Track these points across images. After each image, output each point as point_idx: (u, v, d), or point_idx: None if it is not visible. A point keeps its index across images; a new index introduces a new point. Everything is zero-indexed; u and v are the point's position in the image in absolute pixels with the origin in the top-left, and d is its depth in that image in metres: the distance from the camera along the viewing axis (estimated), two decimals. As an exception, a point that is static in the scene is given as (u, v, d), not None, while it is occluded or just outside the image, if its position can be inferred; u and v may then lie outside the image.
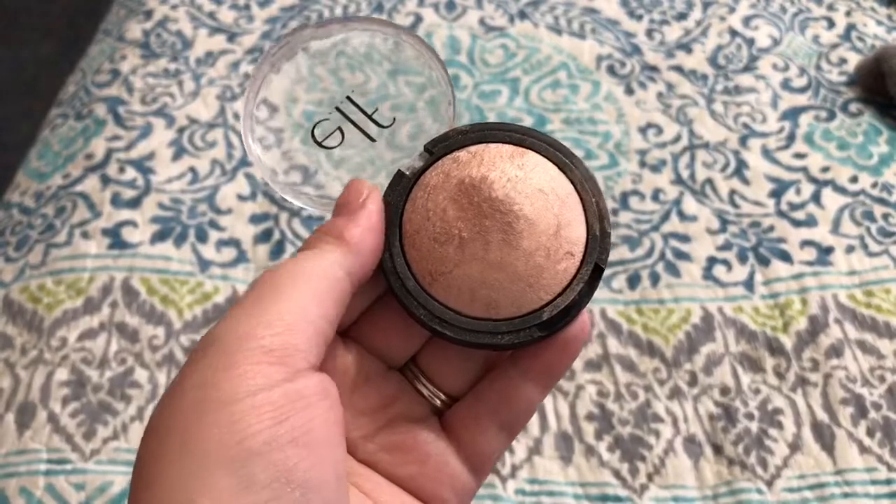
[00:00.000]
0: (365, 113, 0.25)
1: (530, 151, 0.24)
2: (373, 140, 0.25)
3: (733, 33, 0.71)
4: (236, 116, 0.65)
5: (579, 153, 0.62)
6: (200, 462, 0.18)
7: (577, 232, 0.24)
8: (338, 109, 0.25)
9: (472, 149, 0.24)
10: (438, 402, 0.25)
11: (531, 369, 0.24)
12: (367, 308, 0.25)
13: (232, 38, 0.71)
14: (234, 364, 0.19)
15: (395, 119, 0.25)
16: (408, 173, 0.24)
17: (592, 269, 0.24)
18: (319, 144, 0.25)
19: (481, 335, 0.23)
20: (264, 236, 0.56)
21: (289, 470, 0.19)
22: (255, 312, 0.20)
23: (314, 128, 0.25)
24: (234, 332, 0.20)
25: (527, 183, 0.23)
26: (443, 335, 0.24)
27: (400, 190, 0.24)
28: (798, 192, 0.59)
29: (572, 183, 0.24)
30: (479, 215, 0.23)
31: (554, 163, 0.24)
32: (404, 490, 0.24)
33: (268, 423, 0.19)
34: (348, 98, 0.25)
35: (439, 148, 0.25)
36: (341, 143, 0.25)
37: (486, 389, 0.25)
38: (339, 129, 0.25)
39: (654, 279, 0.54)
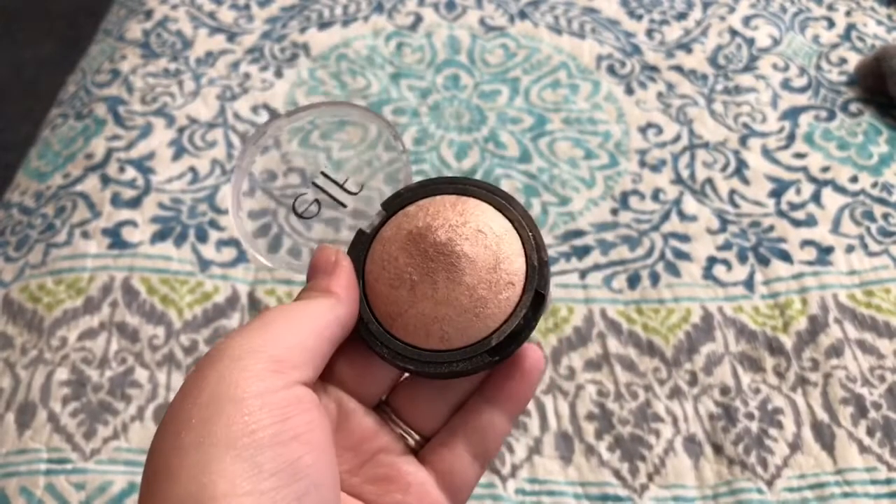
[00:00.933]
0: (338, 184, 0.29)
1: (471, 199, 0.27)
2: (344, 206, 0.29)
3: (733, 33, 0.71)
4: (236, 117, 0.64)
5: (579, 153, 0.62)
6: (216, 450, 0.20)
7: (516, 264, 0.26)
8: (314, 184, 0.29)
9: (421, 202, 0.28)
10: (412, 442, 0.27)
11: (497, 400, 0.27)
12: (342, 354, 0.27)
13: (232, 37, 0.71)
14: (245, 367, 0.22)
15: (362, 186, 0.29)
16: (367, 231, 0.28)
17: (533, 296, 0.26)
18: (299, 216, 0.29)
19: (439, 365, 0.26)
20: (262, 230, 0.56)
21: (293, 462, 0.21)
22: (264, 332, 0.23)
23: (294, 202, 0.29)
24: (246, 343, 0.23)
25: (466, 226, 0.26)
26: (406, 369, 0.26)
27: (361, 245, 0.27)
28: (798, 191, 0.59)
29: (510, 221, 0.27)
30: (425, 259, 0.26)
31: (492, 205, 0.27)
32: None
33: (275, 419, 0.21)
34: (322, 174, 0.29)
35: (393, 205, 0.28)
36: (318, 213, 0.29)
37: (457, 422, 0.27)
38: (317, 200, 0.29)
39: (654, 279, 0.54)
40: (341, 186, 0.29)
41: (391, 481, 0.26)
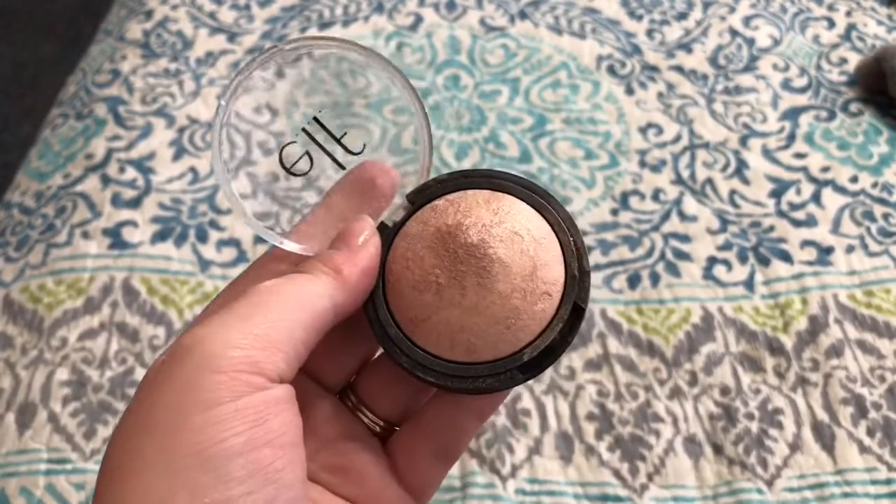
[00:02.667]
0: (333, 136, 0.24)
1: (507, 195, 0.25)
2: (343, 168, 0.25)
3: (733, 33, 0.71)
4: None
5: (579, 153, 0.62)
6: (180, 460, 0.19)
7: (554, 272, 0.24)
8: (304, 131, 0.24)
9: (451, 197, 0.25)
10: (378, 429, 0.26)
11: (467, 400, 0.25)
12: None
13: (232, 38, 0.71)
14: (219, 369, 0.20)
15: (365, 146, 0.25)
16: (390, 224, 0.25)
17: (572, 309, 0.24)
18: (288, 171, 0.24)
19: (463, 380, 0.23)
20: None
21: (264, 468, 0.20)
22: (244, 324, 0.21)
23: (281, 152, 0.24)
24: (220, 338, 0.21)
25: (501, 227, 0.23)
26: (426, 381, 0.24)
27: (382, 240, 0.25)
28: (798, 192, 0.59)
29: (549, 224, 0.24)
30: (454, 261, 0.23)
31: (531, 205, 0.25)
32: None
33: (248, 426, 0.20)
34: (315, 119, 0.24)
35: (420, 198, 0.25)
36: (311, 169, 0.25)
37: (424, 418, 0.25)
38: (308, 154, 0.24)
39: (655, 279, 0.54)
40: (338, 140, 0.25)
41: (347, 473, 0.25)
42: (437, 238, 0.24)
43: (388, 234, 0.25)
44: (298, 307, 0.22)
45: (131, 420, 0.20)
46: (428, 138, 0.25)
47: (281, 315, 0.21)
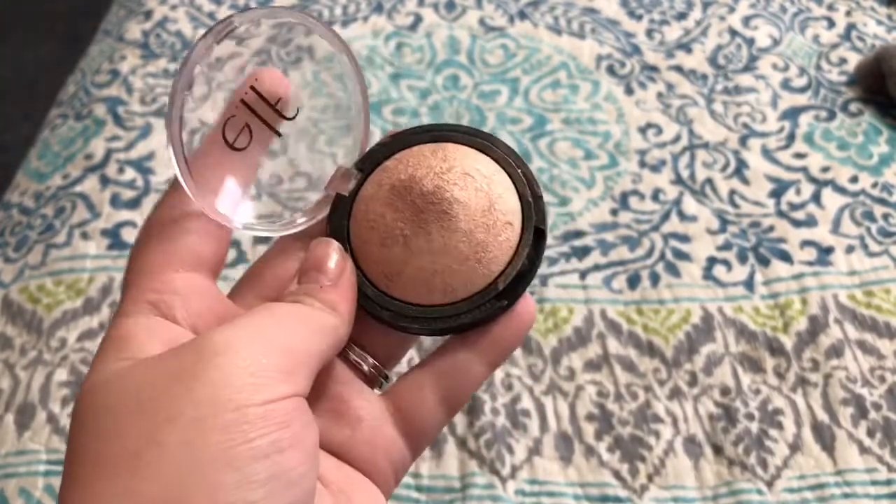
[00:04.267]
0: (268, 103, 0.25)
1: (450, 143, 0.26)
2: (279, 135, 0.25)
3: (733, 33, 0.71)
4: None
5: (579, 153, 0.62)
6: (204, 457, 0.19)
7: (510, 203, 0.25)
8: (242, 102, 0.24)
9: (398, 156, 0.26)
10: (367, 368, 0.25)
11: (478, 343, 0.25)
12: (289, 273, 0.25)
13: (232, 38, 0.71)
14: (252, 373, 0.20)
15: (298, 110, 0.25)
16: (346, 194, 0.26)
17: (534, 234, 0.25)
18: (230, 146, 0.24)
19: (446, 320, 0.24)
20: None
21: (287, 471, 0.20)
22: (273, 336, 0.21)
23: (224, 127, 0.24)
24: (254, 345, 0.21)
25: (452, 171, 0.25)
26: (411, 330, 0.25)
27: (342, 210, 0.26)
28: (798, 192, 0.59)
29: (496, 161, 0.26)
30: (415, 211, 0.24)
31: (475, 147, 0.26)
32: (337, 458, 0.24)
33: (274, 428, 0.20)
34: (252, 88, 0.24)
35: (368, 164, 0.26)
36: (250, 142, 0.25)
37: (430, 360, 0.25)
38: (247, 126, 0.25)
39: (654, 279, 0.54)
40: (273, 107, 0.25)
41: (340, 415, 0.24)
42: (394, 194, 0.25)
43: (346, 202, 0.26)
44: (312, 339, 0.22)
45: (151, 408, 0.20)
46: (364, 104, 0.26)
47: (304, 342, 0.22)
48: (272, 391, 0.20)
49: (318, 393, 0.24)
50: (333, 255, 0.24)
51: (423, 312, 0.24)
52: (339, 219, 0.26)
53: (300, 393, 0.21)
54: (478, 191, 0.24)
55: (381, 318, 0.25)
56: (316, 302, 0.23)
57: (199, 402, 0.19)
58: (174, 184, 0.24)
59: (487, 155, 0.26)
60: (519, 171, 0.26)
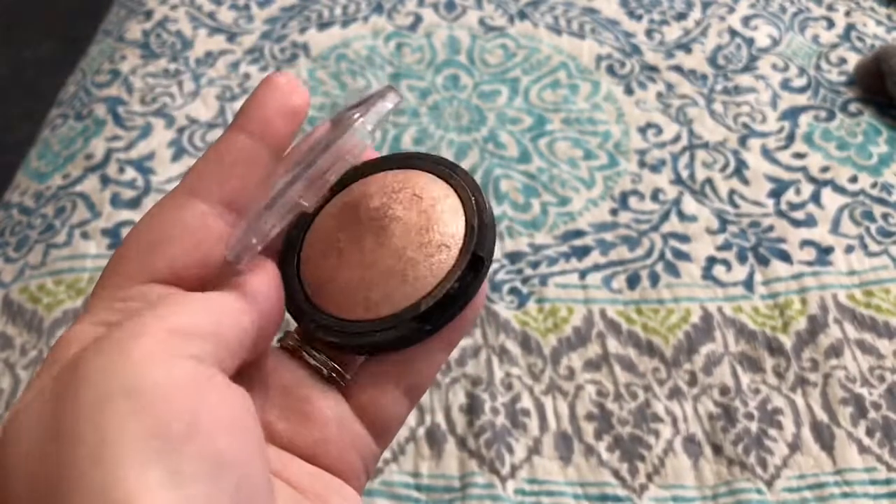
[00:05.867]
0: None
1: (413, 170, 0.26)
2: None
3: (733, 33, 0.71)
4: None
5: (579, 153, 0.62)
6: (122, 460, 0.16)
7: (451, 227, 0.24)
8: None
9: (365, 179, 0.26)
10: (325, 371, 0.24)
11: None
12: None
13: (232, 38, 0.71)
14: (139, 345, 0.17)
15: None
16: (310, 211, 0.25)
17: (471, 259, 0.24)
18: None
19: (363, 336, 0.24)
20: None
21: (215, 456, 0.17)
22: (181, 310, 0.19)
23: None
24: (138, 319, 0.18)
25: (402, 192, 0.25)
26: (331, 343, 0.24)
27: (301, 225, 0.26)
28: (798, 192, 0.59)
29: (451, 186, 0.25)
30: (356, 225, 0.24)
31: (436, 174, 0.26)
32: (310, 462, 0.23)
33: (184, 407, 0.17)
34: None
35: (338, 185, 0.26)
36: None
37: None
38: None
39: (654, 279, 0.54)
40: None
41: (307, 417, 0.23)
42: (344, 210, 0.25)
43: (307, 219, 0.26)
44: (214, 309, 0.20)
45: (45, 431, 0.17)
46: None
47: (196, 308, 0.20)
48: (168, 361, 0.18)
49: (281, 397, 0.23)
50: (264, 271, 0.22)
51: (341, 326, 0.24)
52: (297, 232, 0.26)
53: (207, 361, 0.19)
54: (421, 212, 0.24)
55: (306, 329, 0.24)
56: (226, 288, 0.21)
57: (91, 404, 0.17)
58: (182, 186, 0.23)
59: (447, 182, 0.25)
60: (472, 197, 0.25)
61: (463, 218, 0.25)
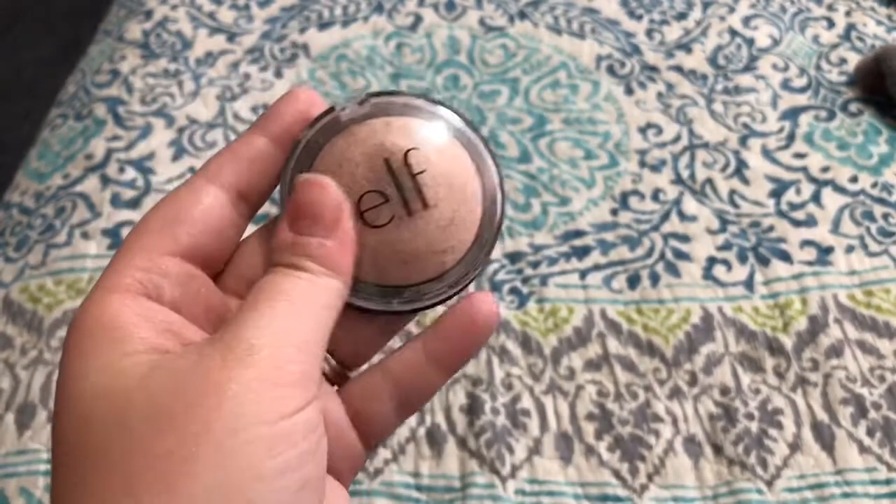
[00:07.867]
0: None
1: (457, 141, 0.25)
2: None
3: (733, 33, 0.71)
4: (236, 117, 0.64)
5: (579, 153, 0.62)
6: (235, 475, 0.18)
7: (476, 189, 0.24)
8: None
9: (407, 119, 0.24)
10: (327, 368, 0.24)
11: (439, 354, 0.24)
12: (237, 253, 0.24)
13: (232, 38, 0.71)
14: (281, 385, 0.19)
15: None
16: (343, 119, 0.24)
17: (497, 224, 0.25)
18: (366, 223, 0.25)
19: (399, 298, 0.24)
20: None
21: (313, 479, 0.19)
22: (293, 330, 0.20)
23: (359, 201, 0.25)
24: (281, 350, 0.20)
25: (430, 149, 0.23)
26: (357, 307, 0.24)
27: (325, 131, 0.24)
28: (798, 192, 0.59)
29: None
30: (387, 183, 0.23)
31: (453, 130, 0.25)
32: None
33: (301, 438, 0.19)
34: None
35: (379, 102, 0.24)
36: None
37: (389, 364, 0.25)
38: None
39: (654, 279, 0.54)
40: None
41: None
42: (377, 152, 0.23)
43: (336, 128, 0.24)
44: (316, 317, 0.21)
45: (172, 420, 0.18)
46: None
47: (317, 322, 0.21)
48: (298, 400, 0.19)
49: None
50: (333, 201, 0.22)
51: (366, 289, 0.24)
52: (318, 136, 0.24)
53: (316, 392, 0.20)
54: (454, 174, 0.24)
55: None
56: (316, 266, 0.22)
57: (228, 416, 0.18)
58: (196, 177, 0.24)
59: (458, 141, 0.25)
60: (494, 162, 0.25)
61: (480, 183, 0.25)
